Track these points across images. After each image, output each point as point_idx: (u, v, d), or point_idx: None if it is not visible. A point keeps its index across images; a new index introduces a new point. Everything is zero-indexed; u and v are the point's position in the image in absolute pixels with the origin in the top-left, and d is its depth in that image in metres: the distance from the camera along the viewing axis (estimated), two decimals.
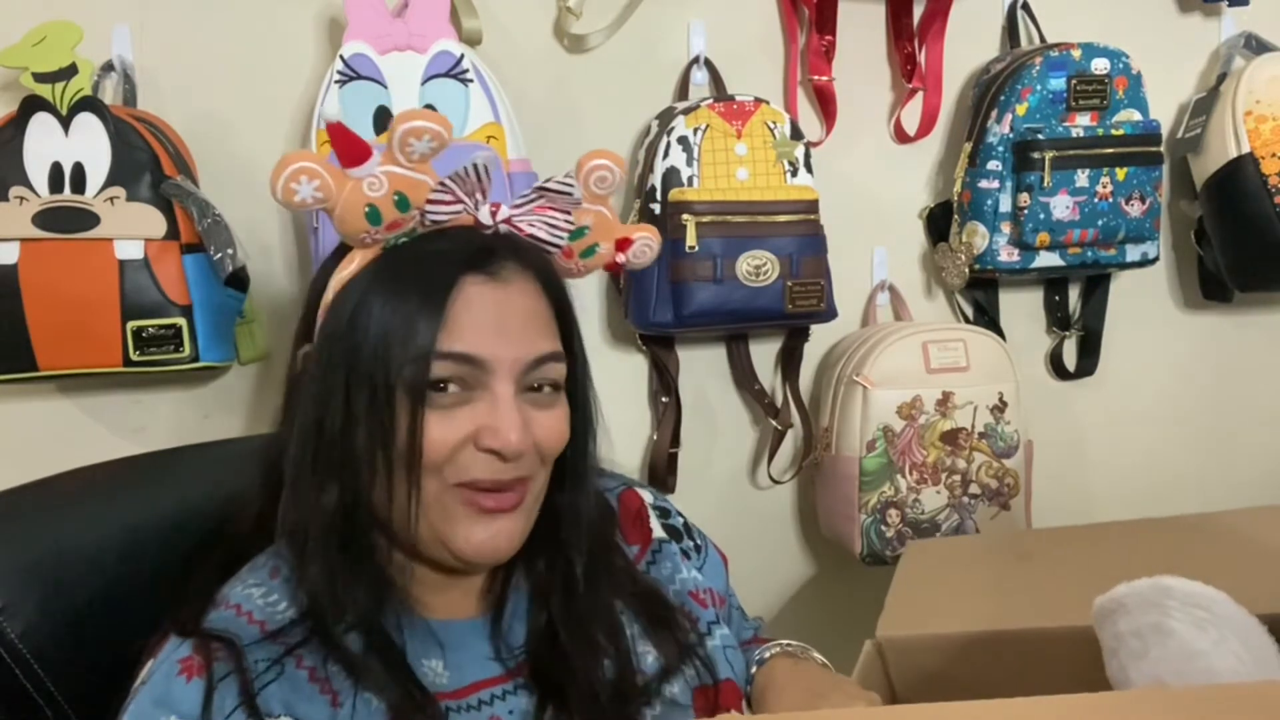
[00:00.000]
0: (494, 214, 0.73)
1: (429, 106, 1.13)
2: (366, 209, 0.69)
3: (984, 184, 1.36)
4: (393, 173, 0.70)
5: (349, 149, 0.69)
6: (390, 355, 0.67)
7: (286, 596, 0.69)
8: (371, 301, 0.69)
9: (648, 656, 0.76)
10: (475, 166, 0.70)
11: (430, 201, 0.71)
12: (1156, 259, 1.43)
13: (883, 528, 1.31)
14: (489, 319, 0.69)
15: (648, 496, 0.88)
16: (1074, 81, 1.34)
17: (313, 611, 0.67)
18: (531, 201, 0.74)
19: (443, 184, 0.71)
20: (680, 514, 0.89)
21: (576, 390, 0.76)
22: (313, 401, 0.70)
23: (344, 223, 0.70)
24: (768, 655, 0.83)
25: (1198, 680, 0.60)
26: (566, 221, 0.75)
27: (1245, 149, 1.38)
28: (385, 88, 1.13)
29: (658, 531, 0.85)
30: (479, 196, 0.72)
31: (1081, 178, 1.33)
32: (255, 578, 0.71)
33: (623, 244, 0.80)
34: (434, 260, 0.70)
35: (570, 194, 0.74)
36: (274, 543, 0.73)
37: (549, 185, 0.73)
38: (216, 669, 0.64)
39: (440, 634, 0.72)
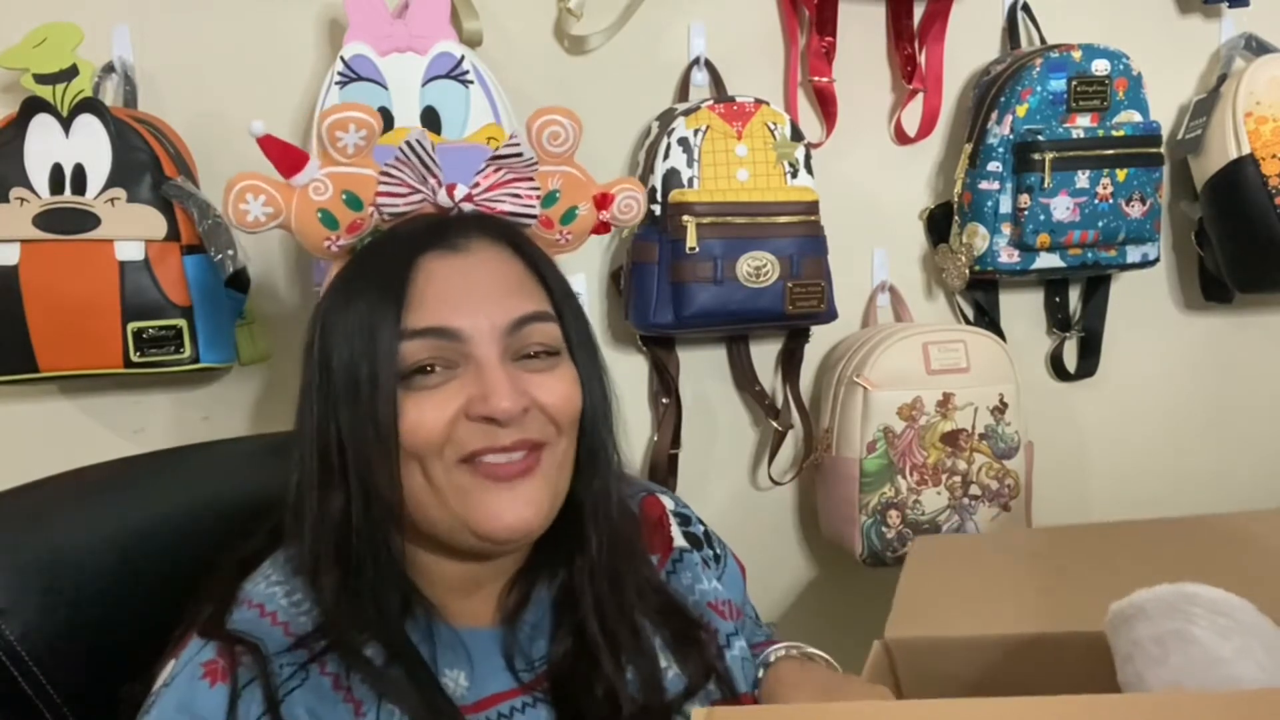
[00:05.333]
0: (451, 195, 0.70)
1: (429, 108, 1.13)
2: (319, 214, 0.68)
3: (984, 185, 1.36)
4: (334, 173, 0.68)
5: (284, 158, 0.68)
6: (362, 350, 0.66)
7: (310, 597, 0.68)
8: (340, 302, 0.68)
9: (669, 672, 0.74)
10: (413, 145, 0.68)
11: (381, 194, 0.69)
12: (1157, 260, 1.43)
13: (883, 529, 1.30)
14: (455, 288, 0.67)
15: (669, 503, 0.86)
16: (1074, 83, 1.34)
17: (331, 625, 0.66)
18: (489, 176, 0.72)
19: (387, 173, 0.69)
20: (701, 521, 0.87)
21: (576, 354, 0.72)
22: (306, 414, 0.69)
23: (303, 234, 0.69)
24: (773, 658, 0.81)
25: (1218, 689, 0.59)
26: (531, 189, 0.72)
27: (1245, 150, 1.38)
28: (386, 89, 1.13)
29: (678, 540, 0.83)
30: (433, 182, 0.70)
31: (1082, 179, 1.33)
32: (278, 574, 0.70)
33: (602, 202, 0.78)
34: (391, 246, 0.69)
35: (520, 154, 0.71)
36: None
37: (500, 152, 0.71)
38: (241, 674, 0.62)
39: (466, 643, 0.70)
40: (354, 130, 0.67)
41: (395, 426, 0.65)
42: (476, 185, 0.71)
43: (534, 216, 0.73)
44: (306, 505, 0.68)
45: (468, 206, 0.71)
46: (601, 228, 0.79)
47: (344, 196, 0.69)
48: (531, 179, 0.72)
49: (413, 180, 0.69)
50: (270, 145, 0.68)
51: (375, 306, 0.66)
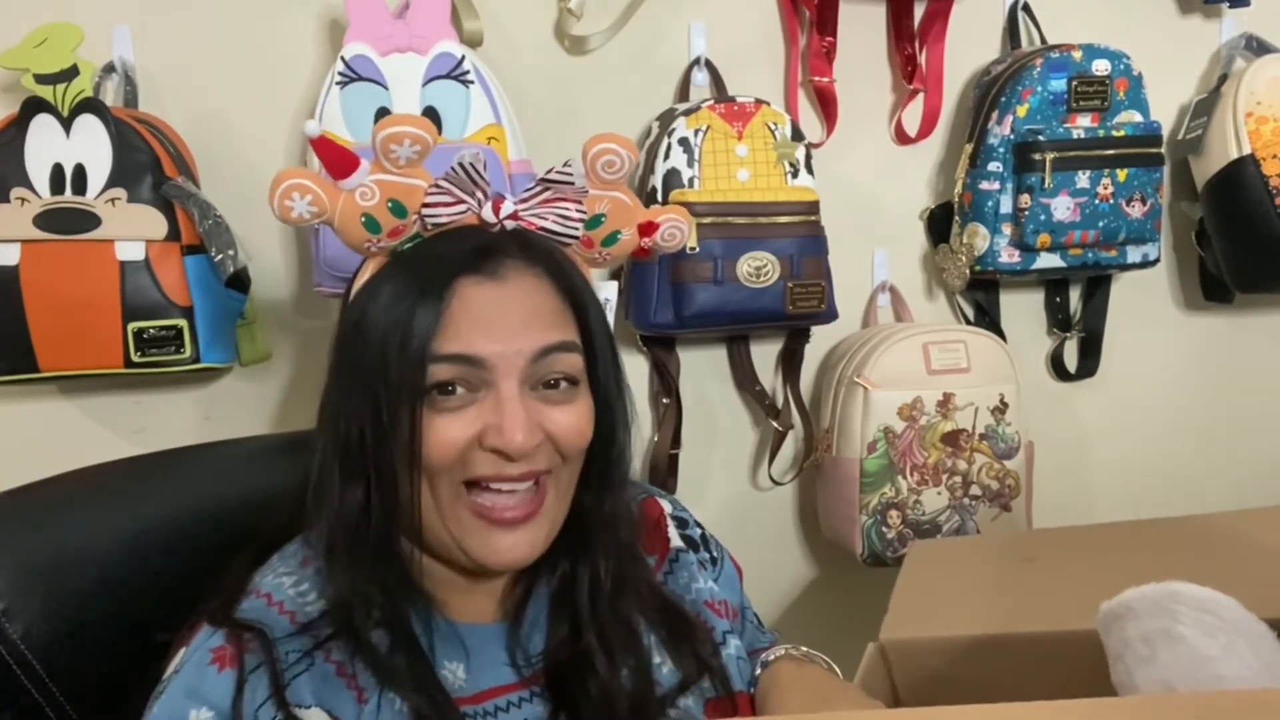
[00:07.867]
0: (497, 210, 0.71)
1: (430, 108, 1.13)
2: (363, 219, 0.69)
3: (985, 185, 1.36)
4: (383, 180, 0.69)
5: (337, 161, 0.68)
6: (391, 361, 0.67)
7: (316, 588, 0.70)
8: (374, 308, 0.69)
9: (663, 668, 0.75)
10: (465, 164, 0.69)
11: (427, 205, 0.70)
12: (1157, 260, 1.43)
13: (884, 529, 1.30)
14: (487, 317, 0.68)
15: (667, 506, 0.88)
16: (1075, 83, 1.34)
17: (339, 609, 0.68)
18: (537, 195, 0.73)
19: (436, 185, 0.70)
20: (699, 525, 0.89)
21: (599, 384, 0.74)
22: (331, 409, 0.71)
23: (345, 234, 0.70)
24: (772, 658, 0.82)
25: (1206, 686, 0.60)
26: (579, 211, 0.73)
27: (1246, 150, 1.38)
28: (386, 89, 1.13)
29: (675, 541, 0.84)
30: (479, 195, 0.71)
31: (1082, 179, 1.33)
32: (286, 566, 0.72)
33: (646, 229, 0.78)
34: (432, 264, 0.70)
35: (572, 182, 0.72)
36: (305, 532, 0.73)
37: (551, 176, 0.72)
38: (248, 660, 0.64)
39: (464, 637, 0.72)
40: (408, 145, 0.68)
41: (417, 441, 0.67)
42: (524, 201, 0.72)
43: (575, 237, 0.74)
44: (327, 492, 0.70)
45: (511, 223, 0.72)
46: (641, 253, 0.79)
47: (390, 204, 0.69)
48: (579, 201, 0.73)
49: (460, 191, 0.70)
50: (324, 147, 0.68)
51: (409, 322, 0.67)
